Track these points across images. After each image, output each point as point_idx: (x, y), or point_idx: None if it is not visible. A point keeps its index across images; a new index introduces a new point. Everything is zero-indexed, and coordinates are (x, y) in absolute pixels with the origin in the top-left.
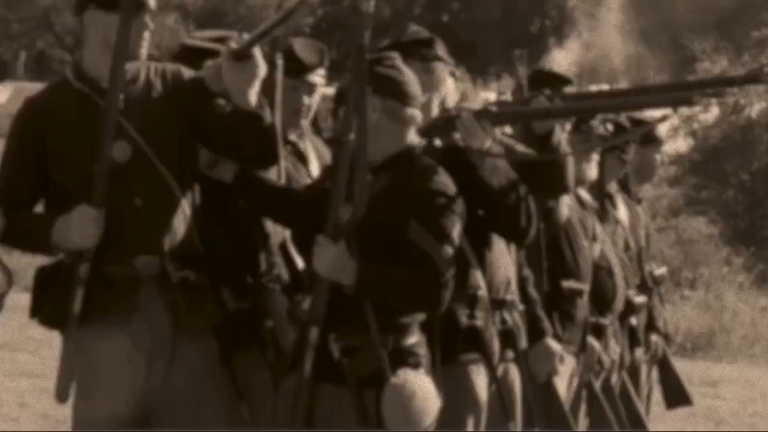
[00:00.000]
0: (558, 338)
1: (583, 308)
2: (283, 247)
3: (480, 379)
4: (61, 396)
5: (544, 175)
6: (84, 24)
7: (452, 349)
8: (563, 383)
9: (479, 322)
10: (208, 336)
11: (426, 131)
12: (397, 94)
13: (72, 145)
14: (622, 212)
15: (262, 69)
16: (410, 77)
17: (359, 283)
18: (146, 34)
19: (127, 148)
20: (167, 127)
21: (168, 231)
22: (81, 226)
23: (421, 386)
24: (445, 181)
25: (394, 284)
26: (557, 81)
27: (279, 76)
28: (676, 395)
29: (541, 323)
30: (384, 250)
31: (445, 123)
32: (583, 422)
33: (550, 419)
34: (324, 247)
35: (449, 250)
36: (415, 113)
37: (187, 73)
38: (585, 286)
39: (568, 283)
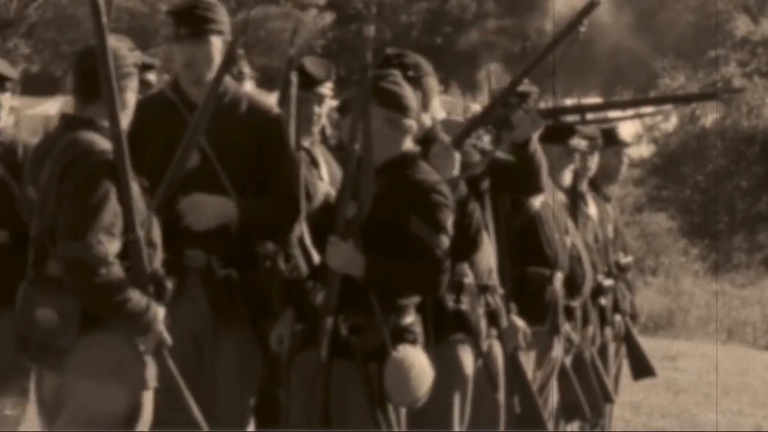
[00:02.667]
0: (524, 318)
1: (552, 292)
2: (300, 241)
3: (466, 357)
4: None
5: (520, 177)
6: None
7: (442, 330)
8: (529, 356)
9: (465, 306)
10: (246, 324)
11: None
12: (398, 106)
13: (152, 145)
14: (592, 208)
15: None
16: (409, 92)
17: (368, 275)
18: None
19: (196, 157)
20: (238, 146)
21: (217, 231)
22: None
23: (418, 360)
24: (437, 180)
25: (398, 273)
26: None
27: (293, 91)
28: (641, 368)
29: (508, 302)
30: (388, 243)
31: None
32: (555, 393)
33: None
34: (336, 245)
35: (446, 240)
36: (412, 123)
37: (274, 114)
38: (552, 272)
39: (535, 269)
